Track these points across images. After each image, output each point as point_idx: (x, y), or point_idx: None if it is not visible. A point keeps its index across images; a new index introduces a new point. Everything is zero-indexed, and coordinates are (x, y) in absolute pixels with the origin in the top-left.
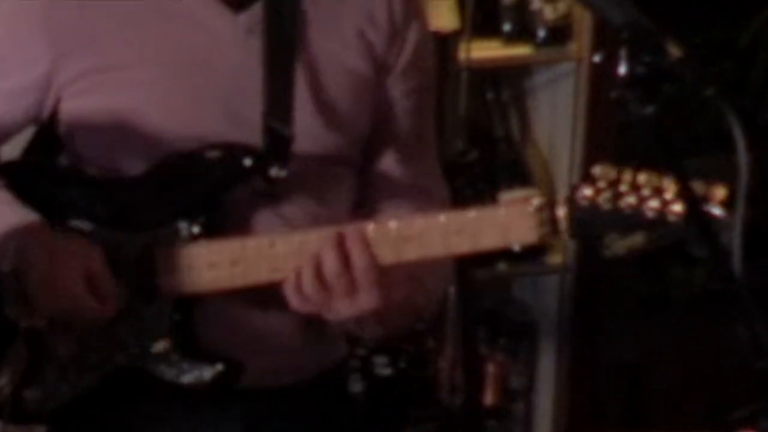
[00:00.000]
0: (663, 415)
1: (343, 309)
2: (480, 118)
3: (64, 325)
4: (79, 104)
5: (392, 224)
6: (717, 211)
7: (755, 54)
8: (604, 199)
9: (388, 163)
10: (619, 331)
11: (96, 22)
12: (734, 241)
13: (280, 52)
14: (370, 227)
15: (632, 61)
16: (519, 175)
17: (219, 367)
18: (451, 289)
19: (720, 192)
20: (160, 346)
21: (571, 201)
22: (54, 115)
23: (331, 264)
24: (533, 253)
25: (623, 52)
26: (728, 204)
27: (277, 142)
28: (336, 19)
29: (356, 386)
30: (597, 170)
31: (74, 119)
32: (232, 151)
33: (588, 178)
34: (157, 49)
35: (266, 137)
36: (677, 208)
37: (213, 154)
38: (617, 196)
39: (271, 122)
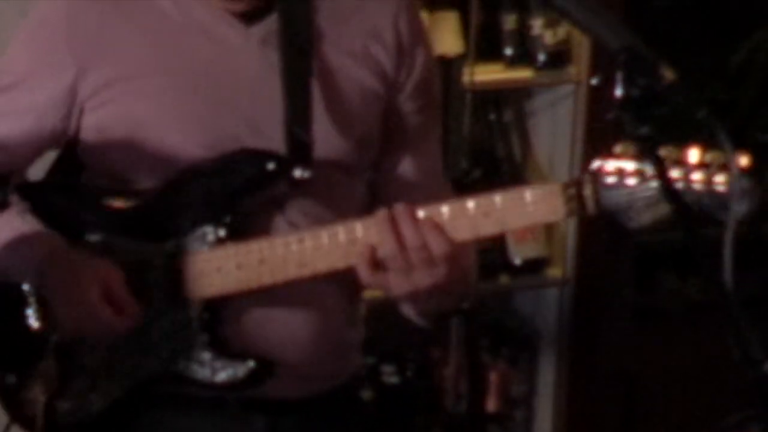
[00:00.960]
0: (657, 421)
1: (421, 281)
2: (483, 139)
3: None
4: (100, 116)
5: (421, 210)
6: (741, 179)
7: (745, 77)
8: (628, 173)
9: (401, 172)
10: (615, 341)
11: (116, 36)
12: (726, 253)
13: (296, 61)
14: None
15: (628, 84)
16: None
17: (251, 364)
18: None
19: (742, 159)
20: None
21: (597, 176)
22: (75, 134)
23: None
24: (534, 266)
25: (619, 76)
26: (751, 171)
27: (299, 146)
28: (345, 35)
29: (365, 394)
30: (619, 148)
31: (96, 132)
32: (256, 155)
33: (611, 155)
34: (174, 60)
35: (288, 142)
36: (698, 176)
37: (237, 159)
38: (641, 169)
39: (292, 128)
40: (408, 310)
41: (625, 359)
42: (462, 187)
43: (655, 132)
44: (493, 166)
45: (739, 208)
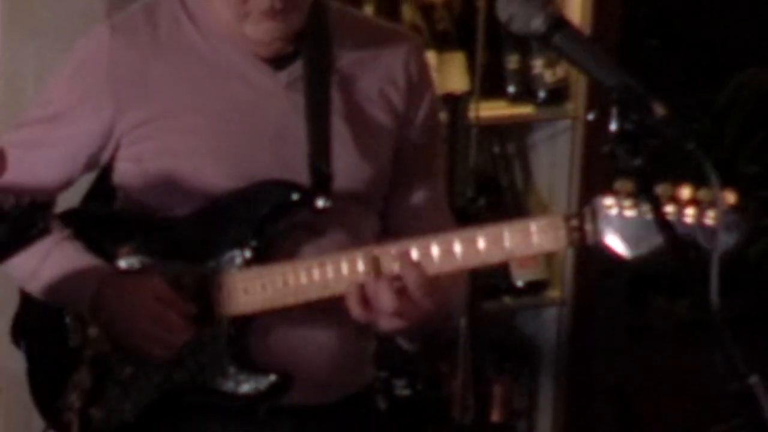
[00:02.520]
0: (649, 431)
1: (411, 315)
2: (487, 170)
3: (128, 351)
4: (137, 149)
5: (433, 242)
6: (727, 214)
7: (730, 113)
8: (626, 207)
9: (409, 202)
10: (609, 357)
11: (155, 76)
12: (712, 277)
13: (319, 104)
14: (414, 245)
15: (622, 119)
16: None
17: (272, 377)
18: (462, 321)
19: (730, 197)
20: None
21: (596, 209)
22: (110, 163)
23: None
24: (534, 288)
25: (614, 111)
26: (738, 208)
27: (321, 179)
28: (363, 79)
29: (379, 405)
30: (618, 184)
31: (132, 162)
32: (281, 186)
33: (610, 191)
34: (209, 100)
35: (311, 175)
36: (690, 211)
37: (264, 189)
38: (637, 204)
39: (315, 162)
40: (398, 340)
41: (618, 374)
42: (468, 215)
43: (647, 164)
44: (496, 195)
45: (727, 240)
